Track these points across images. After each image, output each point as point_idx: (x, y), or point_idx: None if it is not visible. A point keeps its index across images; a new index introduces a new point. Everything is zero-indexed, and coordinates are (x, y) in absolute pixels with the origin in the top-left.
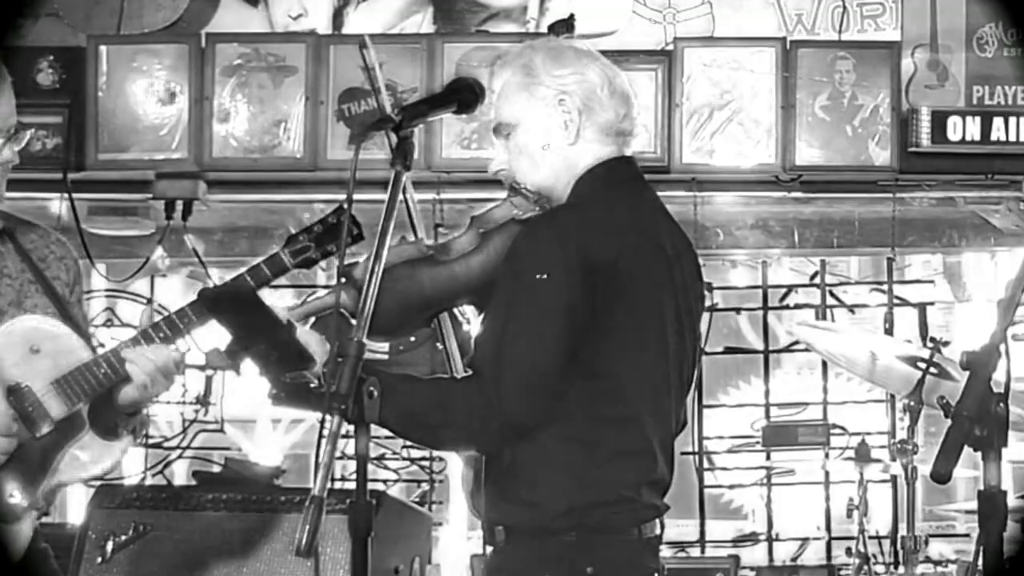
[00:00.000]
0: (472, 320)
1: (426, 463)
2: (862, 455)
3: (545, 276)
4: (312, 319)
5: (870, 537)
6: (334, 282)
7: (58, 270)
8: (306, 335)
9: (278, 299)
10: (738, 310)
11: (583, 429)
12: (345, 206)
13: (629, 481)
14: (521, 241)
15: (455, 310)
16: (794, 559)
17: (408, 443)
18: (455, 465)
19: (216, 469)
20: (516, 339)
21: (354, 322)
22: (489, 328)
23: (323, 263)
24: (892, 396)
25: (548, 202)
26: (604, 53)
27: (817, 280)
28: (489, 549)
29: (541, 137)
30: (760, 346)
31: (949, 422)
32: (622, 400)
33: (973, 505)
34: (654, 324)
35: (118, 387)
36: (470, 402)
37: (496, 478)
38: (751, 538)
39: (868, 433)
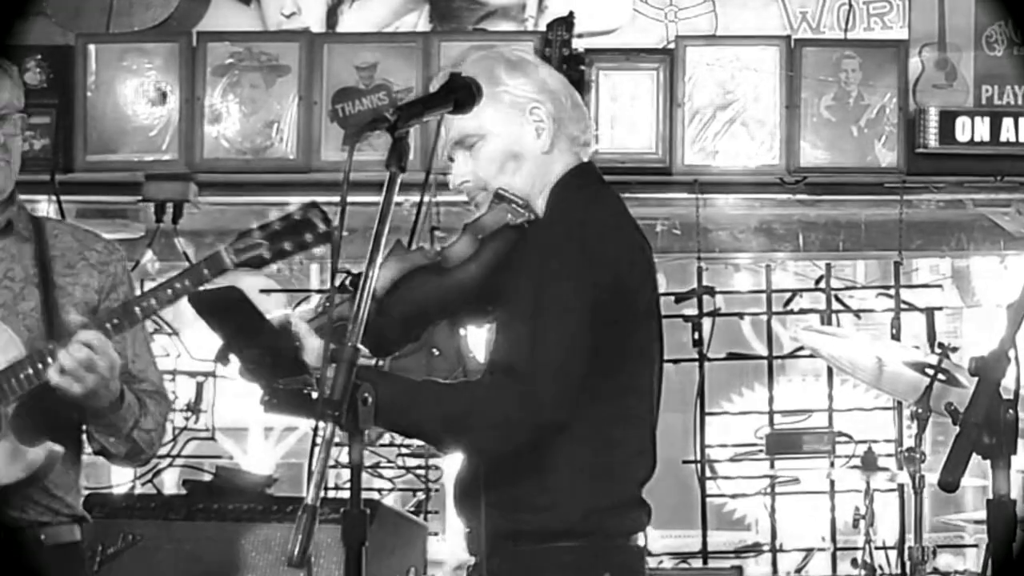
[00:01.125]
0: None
1: (422, 472)
2: (868, 464)
3: (571, 277)
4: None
5: (876, 548)
6: (328, 286)
7: (88, 276)
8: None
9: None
10: (741, 315)
11: (600, 428)
12: (306, 204)
13: (640, 480)
14: (545, 245)
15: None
16: (798, 570)
17: (404, 452)
18: (451, 475)
19: (207, 478)
20: (548, 337)
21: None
22: (514, 327)
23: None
24: (899, 403)
25: (532, 209)
26: (605, 52)
27: (822, 284)
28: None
29: (512, 145)
30: (764, 352)
31: (957, 429)
32: (635, 397)
33: (982, 515)
34: (654, 323)
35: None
36: (505, 399)
37: (501, 483)
38: (754, 549)
39: (874, 441)
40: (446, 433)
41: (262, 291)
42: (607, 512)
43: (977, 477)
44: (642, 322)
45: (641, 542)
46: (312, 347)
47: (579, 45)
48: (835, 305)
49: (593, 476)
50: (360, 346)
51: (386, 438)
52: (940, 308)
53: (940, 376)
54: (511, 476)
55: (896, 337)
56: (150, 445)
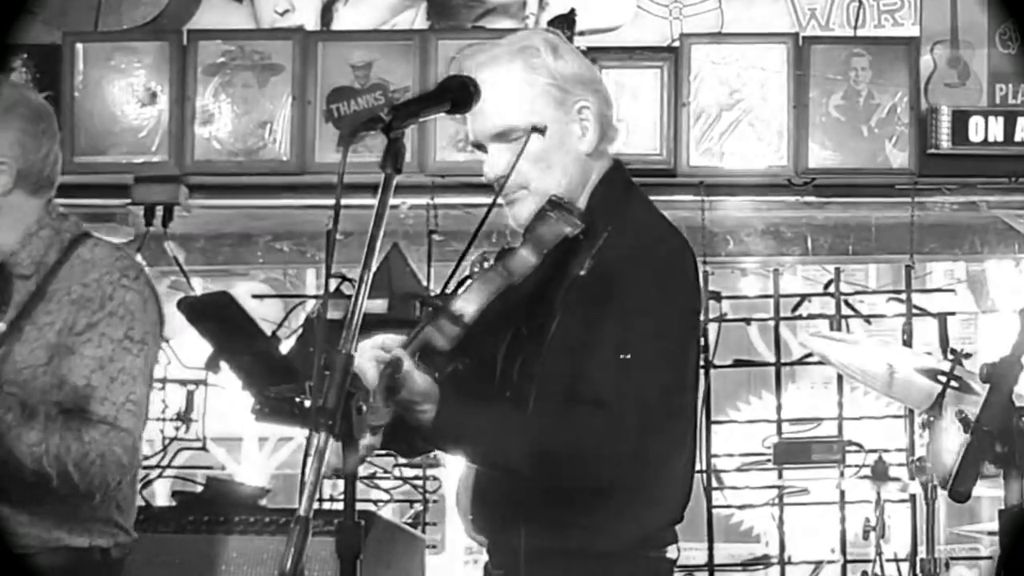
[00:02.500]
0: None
1: (419, 483)
2: (879, 473)
3: (664, 304)
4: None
5: (888, 560)
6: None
7: (66, 313)
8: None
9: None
10: (748, 321)
11: (659, 453)
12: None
13: (685, 502)
14: (649, 279)
15: None
16: None
17: (401, 463)
18: (450, 485)
19: (198, 489)
20: (639, 373)
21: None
22: (600, 356)
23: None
24: (911, 411)
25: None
26: (607, 50)
27: (832, 289)
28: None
29: (557, 143)
30: (771, 358)
31: (968, 437)
32: (686, 420)
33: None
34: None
35: None
36: (598, 434)
37: (549, 501)
38: (762, 561)
39: (886, 450)
40: (535, 467)
41: (255, 296)
42: (659, 533)
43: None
44: (698, 344)
45: (673, 554)
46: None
47: (581, 43)
48: (845, 310)
49: (651, 500)
50: (353, 353)
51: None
52: (953, 313)
53: (953, 383)
54: (562, 496)
55: (908, 343)
56: (35, 460)
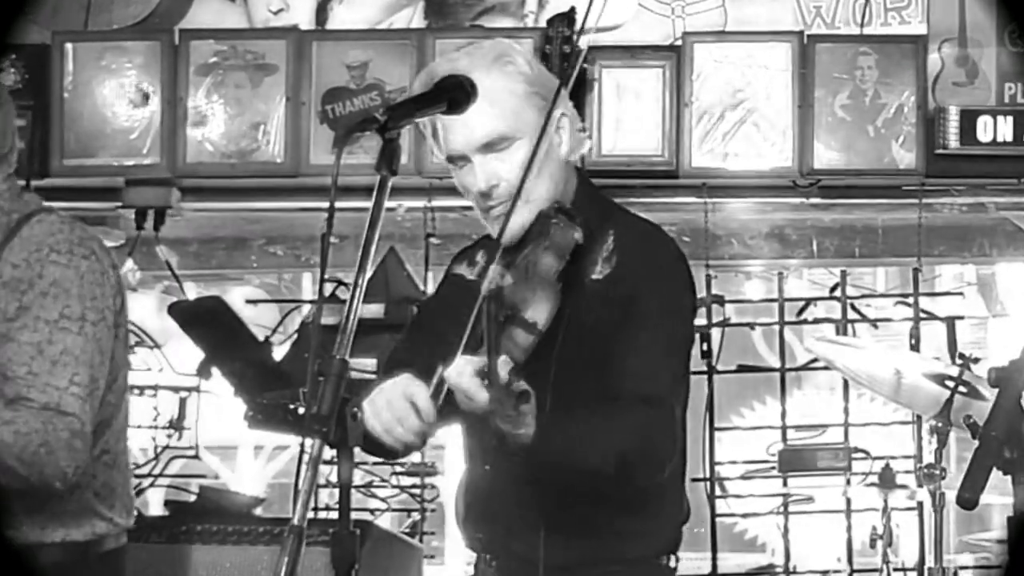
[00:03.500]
0: None
1: (417, 491)
2: (886, 481)
3: (684, 307)
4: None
5: (895, 569)
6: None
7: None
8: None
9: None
10: (752, 325)
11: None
12: None
13: (687, 508)
14: (666, 275)
15: None
16: None
17: (399, 471)
18: (448, 494)
19: (191, 498)
20: (678, 371)
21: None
22: (649, 356)
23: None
24: (919, 417)
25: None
26: (608, 49)
27: (837, 293)
28: None
29: (544, 150)
30: (776, 364)
31: (976, 444)
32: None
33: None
34: None
35: None
36: (660, 430)
37: (578, 508)
38: (767, 571)
39: (893, 457)
40: (615, 467)
41: (249, 301)
42: (677, 536)
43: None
44: None
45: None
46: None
47: (581, 42)
48: (851, 314)
49: (675, 501)
50: (348, 358)
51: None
52: (962, 317)
53: (961, 388)
54: (600, 501)
55: (916, 348)
56: None
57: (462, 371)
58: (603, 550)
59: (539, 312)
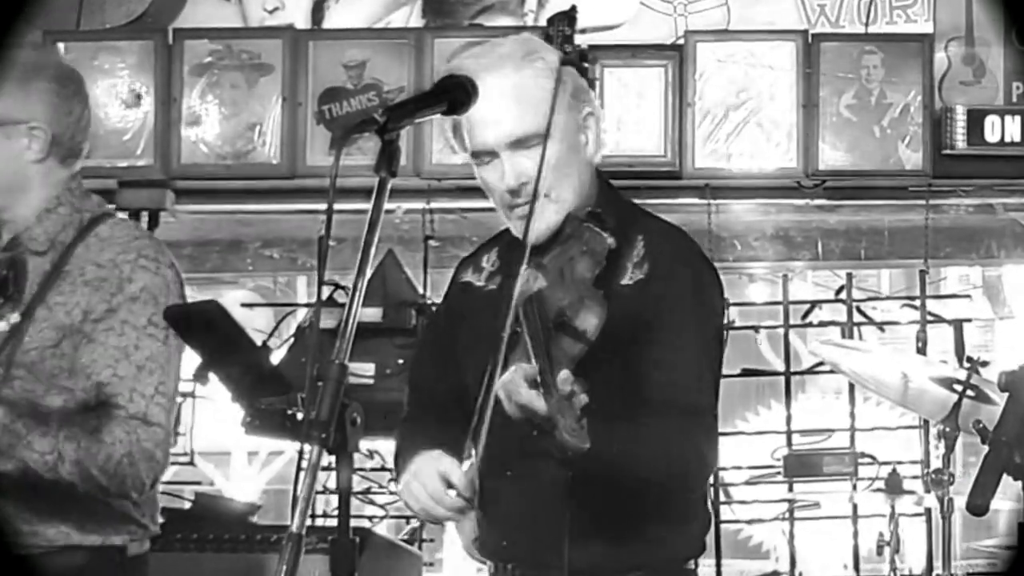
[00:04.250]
0: None
1: None
2: (893, 486)
3: (716, 313)
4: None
5: None
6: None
7: (79, 295)
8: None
9: (258, 318)
10: (757, 328)
11: None
12: None
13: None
14: (699, 282)
15: None
16: None
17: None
18: None
19: (186, 506)
20: (712, 379)
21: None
22: (685, 365)
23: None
24: (926, 422)
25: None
26: (609, 48)
27: (843, 295)
28: None
29: (571, 149)
30: (781, 367)
31: (986, 448)
32: None
33: None
34: None
35: None
36: (706, 438)
37: (611, 517)
38: None
39: (900, 462)
40: (669, 478)
41: (244, 305)
42: (702, 542)
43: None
44: None
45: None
46: None
47: (582, 41)
48: (857, 317)
49: (702, 508)
50: (346, 363)
51: (376, 461)
52: (969, 320)
53: (969, 392)
54: (631, 510)
55: (922, 351)
56: (50, 469)
57: (515, 381)
58: (633, 557)
59: (589, 320)
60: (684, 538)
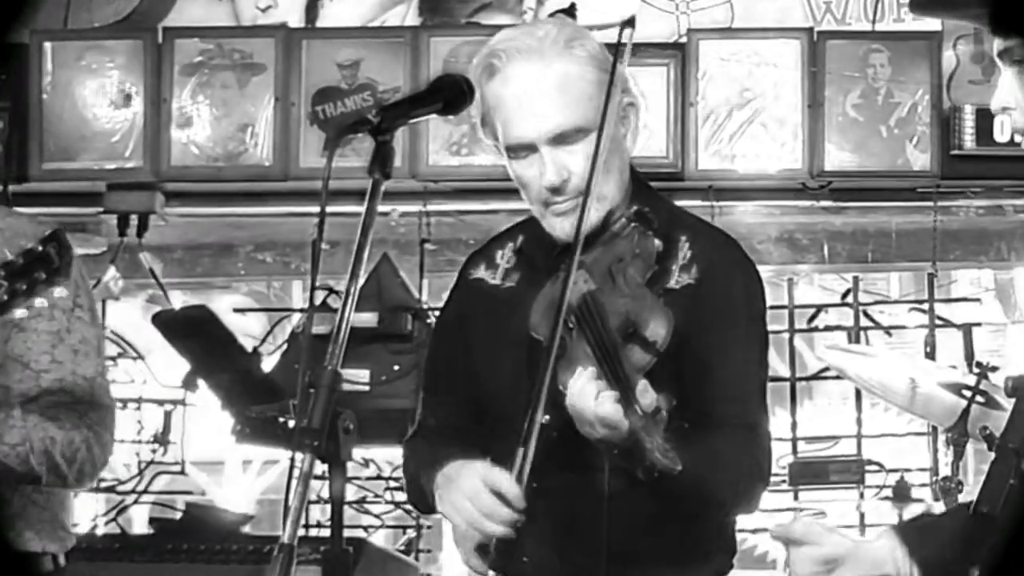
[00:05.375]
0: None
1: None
2: (901, 494)
3: (762, 322)
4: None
5: None
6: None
7: None
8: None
9: (250, 323)
10: None
11: None
12: (56, 237)
13: None
14: (751, 286)
15: None
16: None
17: (393, 486)
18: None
19: (177, 516)
20: (763, 392)
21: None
22: (741, 379)
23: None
24: (934, 428)
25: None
26: (609, 47)
27: (850, 299)
28: None
29: (614, 144)
30: (786, 373)
31: (993, 455)
32: None
33: None
34: None
35: None
36: (765, 455)
37: (650, 536)
38: None
39: (907, 470)
40: (738, 496)
41: (236, 310)
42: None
43: None
44: None
45: None
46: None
47: None
48: (864, 321)
49: (733, 527)
50: (340, 369)
51: (371, 470)
52: (979, 324)
53: (979, 398)
54: (673, 529)
55: (931, 356)
56: (22, 462)
57: (585, 394)
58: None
59: (659, 330)
60: (716, 557)
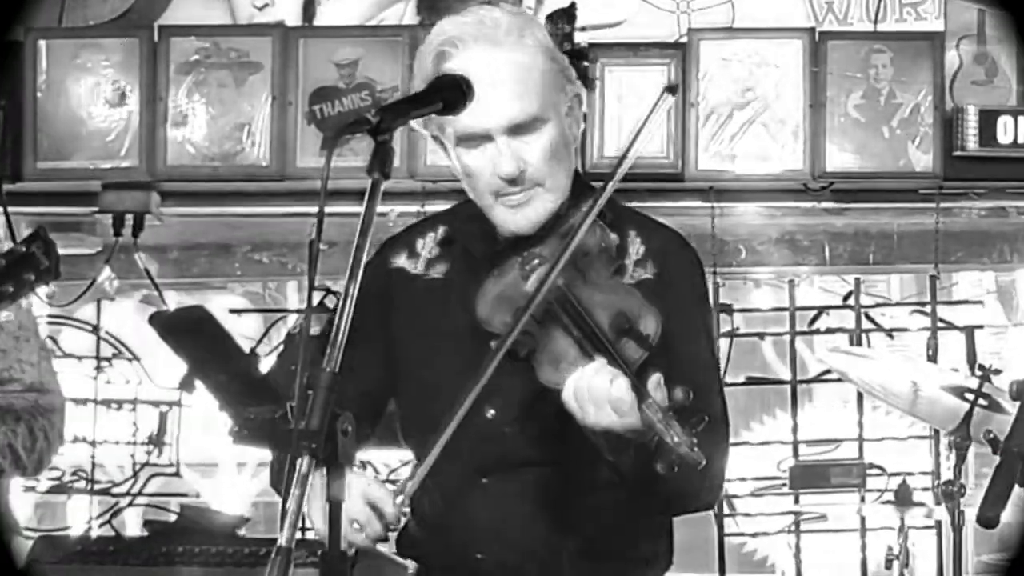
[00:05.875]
0: None
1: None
2: (903, 498)
3: (712, 319)
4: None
5: None
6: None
7: None
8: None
9: (246, 324)
10: (762, 335)
11: None
12: (39, 236)
13: None
14: (703, 278)
15: None
16: None
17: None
18: None
19: (171, 518)
20: (721, 385)
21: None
22: (704, 375)
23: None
24: (936, 432)
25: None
26: (610, 46)
27: (851, 301)
28: None
29: (564, 135)
30: (787, 376)
31: (998, 460)
32: None
33: None
34: None
35: None
36: (726, 448)
37: (607, 532)
38: None
39: (909, 474)
40: (705, 491)
41: (233, 311)
42: None
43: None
44: None
45: None
46: None
47: (582, 39)
48: (865, 324)
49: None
50: (338, 371)
51: (369, 472)
52: (981, 326)
53: (981, 401)
54: (627, 526)
55: (933, 359)
56: None
57: (603, 376)
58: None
59: (650, 323)
60: (664, 555)
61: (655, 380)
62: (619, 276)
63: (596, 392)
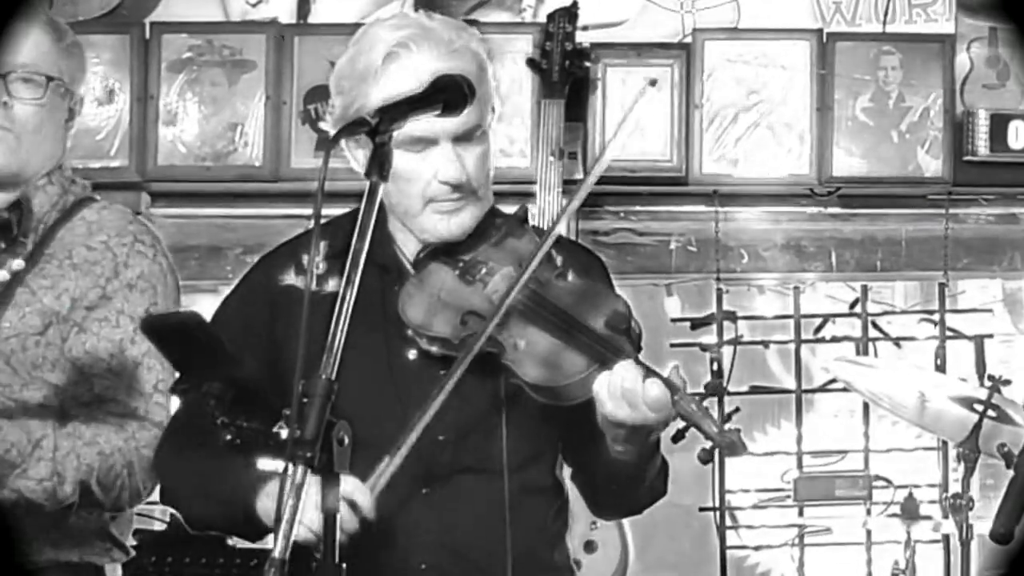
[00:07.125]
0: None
1: None
2: (909, 511)
3: None
4: None
5: None
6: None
7: (59, 278)
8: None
9: None
10: (766, 343)
11: None
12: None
13: None
14: (610, 279)
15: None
16: None
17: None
18: None
19: (159, 527)
20: None
21: None
22: None
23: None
24: (944, 443)
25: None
26: (612, 46)
27: (857, 309)
28: None
29: (490, 148)
30: (791, 384)
31: (1011, 473)
32: None
33: None
34: None
35: None
36: None
37: (541, 538)
38: None
39: (916, 486)
40: (652, 491)
41: None
42: None
43: None
44: None
45: None
46: None
47: (584, 39)
48: (872, 332)
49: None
50: (334, 378)
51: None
52: (991, 335)
53: (990, 413)
54: (550, 536)
55: (941, 369)
56: (49, 496)
57: (635, 377)
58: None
59: (635, 326)
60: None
61: (675, 371)
62: (561, 280)
63: (631, 395)
